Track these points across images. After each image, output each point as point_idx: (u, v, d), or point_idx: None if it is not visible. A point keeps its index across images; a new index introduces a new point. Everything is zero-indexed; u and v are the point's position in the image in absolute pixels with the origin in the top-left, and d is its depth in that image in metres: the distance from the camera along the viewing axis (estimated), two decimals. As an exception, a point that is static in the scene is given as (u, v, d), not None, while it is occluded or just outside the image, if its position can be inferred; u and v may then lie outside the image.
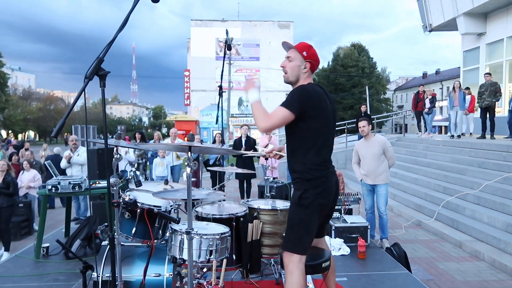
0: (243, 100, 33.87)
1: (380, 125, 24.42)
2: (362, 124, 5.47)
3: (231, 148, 9.30)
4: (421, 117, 12.90)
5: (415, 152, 11.20)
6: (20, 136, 48.30)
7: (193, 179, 2.77)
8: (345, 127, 15.13)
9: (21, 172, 7.73)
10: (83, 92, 2.00)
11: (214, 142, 9.71)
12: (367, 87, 38.07)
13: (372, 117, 14.92)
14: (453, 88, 10.91)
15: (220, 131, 8.86)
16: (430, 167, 9.43)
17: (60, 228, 6.08)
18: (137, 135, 9.87)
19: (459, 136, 10.84)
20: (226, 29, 4.44)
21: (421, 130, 12.92)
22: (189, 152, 2.17)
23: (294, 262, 2.49)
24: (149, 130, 66.62)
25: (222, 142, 8.35)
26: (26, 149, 9.87)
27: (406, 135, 15.11)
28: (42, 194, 4.81)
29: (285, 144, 2.76)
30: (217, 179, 7.98)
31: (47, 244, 4.78)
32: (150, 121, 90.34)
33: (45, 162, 6.97)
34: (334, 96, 42.70)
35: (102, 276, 2.88)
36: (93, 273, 2.93)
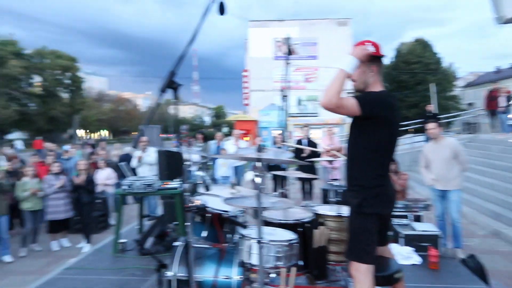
0: (302, 100, 33.67)
1: (448, 125, 23.02)
2: (431, 126, 5.22)
3: (293, 147, 9.31)
4: (495, 116, 11.98)
5: (490, 155, 10.41)
6: (95, 135, 52.08)
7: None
8: (409, 127, 14.48)
9: (97, 170, 8.35)
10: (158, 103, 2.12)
11: (274, 143, 9.77)
12: (432, 85, 36.04)
13: (439, 116, 14.15)
14: None
15: (280, 132, 8.92)
16: (508, 171, 8.71)
17: (134, 225, 6.49)
18: (199, 136, 10.19)
19: None
20: (287, 34, 4.45)
21: (496, 131, 11.98)
22: (259, 163, 2.22)
23: (361, 272, 2.46)
24: (210, 130, 68.66)
25: (283, 142, 8.38)
26: (103, 148, 10.63)
27: (479, 136, 14.11)
28: (118, 193, 5.18)
29: (346, 147, 2.73)
30: (279, 181, 8.04)
31: (123, 240, 5.14)
32: (212, 121, 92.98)
33: (120, 164, 7.47)
34: (396, 94, 41.01)
35: (175, 275, 3.04)
36: (167, 272, 3.10)
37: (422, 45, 42.73)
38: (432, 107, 13.46)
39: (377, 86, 2.56)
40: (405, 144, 14.49)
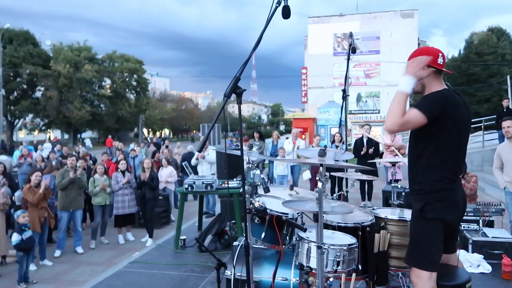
0: (362, 96, 32.70)
1: (527, 121, 21.11)
2: (507, 124, 4.82)
3: (352, 147, 9.09)
4: None
5: None
6: (158, 134, 54.73)
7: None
8: (481, 124, 13.48)
9: (161, 168, 8.76)
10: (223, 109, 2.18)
11: (333, 141, 9.60)
12: (508, 77, 33.22)
13: (516, 112, 13.00)
14: None
15: (339, 131, 8.74)
16: None
17: (193, 222, 6.73)
18: (256, 134, 10.32)
19: None
20: (350, 32, 4.34)
21: None
22: (321, 168, 2.19)
23: (423, 280, 2.35)
24: (267, 128, 69.09)
25: (342, 141, 8.20)
26: (166, 146, 11.13)
27: None
28: (180, 192, 5.40)
29: (408, 147, 2.60)
30: (339, 182, 7.89)
31: (184, 237, 5.35)
32: (269, 119, 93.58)
33: (183, 163, 7.78)
34: (467, 88, 38.41)
35: (234, 275, 3.11)
36: (226, 271, 3.18)
37: (497, 34, 39.53)
38: (508, 102, 12.38)
39: (436, 85, 2.42)
40: (475, 143, 13.51)
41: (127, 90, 46.67)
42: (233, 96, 2.23)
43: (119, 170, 7.06)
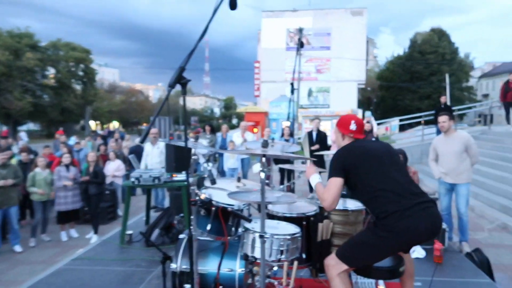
0: (313, 91, 33.45)
1: (462, 117, 22.65)
2: (443, 119, 5.14)
3: (300, 140, 9.29)
4: (511, 108, 11.73)
5: (503, 148, 10.24)
6: (106, 126, 52.64)
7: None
8: (421, 119, 14.30)
9: (107, 162, 8.46)
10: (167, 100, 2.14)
11: (282, 135, 9.77)
12: (447, 75, 35.42)
13: (453, 108, 13.92)
14: None
15: (288, 124, 8.90)
16: (520, 164, 8.59)
17: (141, 216, 6.58)
18: (207, 128, 10.30)
19: None
20: (299, 27, 4.41)
21: (510, 123, 11.75)
22: (263, 158, 2.22)
23: (338, 270, 2.54)
24: (220, 121, 68.68)
25: (291, 135, 8.37)
26: (116, 140, 10.75)
27: (492, 128, 13.87)
28: (126, 186, 5.25)
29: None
30: (286, 175, 8.06)
31: (130, 232, 5.22)
32: (222, 112, 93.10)
33: (129, 156, 7.56)
34: (410, 85, 40.49)
35: (179, 268, 3.09)
36: (171, 264, 3.15)
37: (438, 35, 41.94)
38: (445, 99, 13.22)
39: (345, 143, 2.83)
40: (416, 136, 14.33)
41: (73, 80, 44.29)
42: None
43: (62, 164, 6.74)
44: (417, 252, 4.52)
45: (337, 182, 2.55)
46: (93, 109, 47.66)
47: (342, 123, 2.87)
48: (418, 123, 15.81)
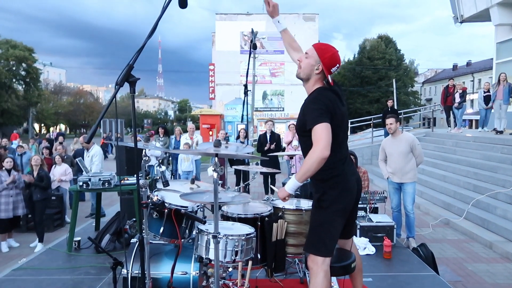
0: (267, 94, 33.82)
1: (408, 120, 23.82)
2: (390, 121, 5.37)
3: (256, 142, 9.37)
4: (451, 112, 12.54)
5: (444, 148, 10.91)
6: (52, 130, 49.96)
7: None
8: (371, 122, 14.88)
9: (54, 166, 8.03)
10: (115, 98, 2.06)
11: (238, 137, 9.79)
12: (394, 80, 37.24)
13: (399, 111, 14.62)
14: (498, 80, 10.51)
15: (244, 127, 8.92)
16: (459, 164, 9.18)
17: (91, 222, 6.30)
18: (161, 130, 10.10)
19: (501, 132, 10.34)
20: (252, 28, 4.44)
21: (451, 126, 12.55)
22: (216, 158, 2.20)
23: (318, 264, 2.51)
24: (174, 124, 67.53)
25: (246, 137, 8.40)
26: (61, 143, 10.22)
27: (435, 130, 14.73)
28: (73, 190, 4.99)
29: (300, 143, 2.75)
30: (242, 176, 8.06)
31: (78, 238, 4.97)
32: (176, 115, 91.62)
33: (76, 160, 7.22)
34: (360, 90, 42.10)
35: (131, 273, 2.98)
36: (122, 269, 3.03)
37: (385, 42, 43.96)
38: (391, 102, 13.88)
39: (318, 84, 2.57)
40: (366, 138, 14.89)
41: (14, 80, 41.63)
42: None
43: (3, 168, 6.28)
44: (368, 248, 4.68)
45: (325, 126, 2.31)
46: (38, 111, 45.09)
47: (331, 59, 2.51)
48: (368, 126, 16.41)
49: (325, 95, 2.48)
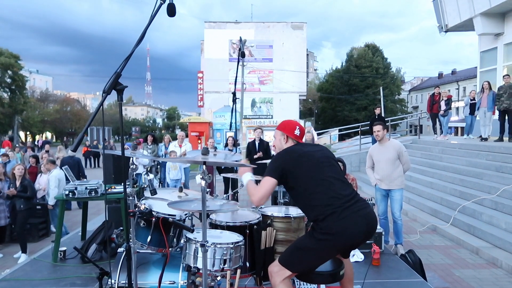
0: (256, 102, 33.89)
1: (395, 127, 24.11)
2: (377, 128, 5.42)
3: (244, 150, 9.36)
4: (437, 119, 12.72)
5: (431, 155, 11.05)
6: (37, 138, 49.20)
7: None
8: (358, 129, 15.02)
9: (39, 175, 7.89)
10: (102, 106, 2.05)
11: (226, 145, 9.76)
12: (381, 88, 37.73)
13: (386, 119, 14.79)
14: (482, 88, 10.72)
15: (232, 134, 8.92)
16: (446, 170, 9.30)
17: (77, 231, 6.19)
18: (149, 138, 10.05)
19: (486, 139, 10.53)
20: (240, 37, 4.46)
21: (437, 133, 12.73)
22: (204, 166, 2.19)
23: (281, 276, 2.57)
24: (162, 132, 67.16)
25: (235, 145, 8.38)
26: (47, 151, 10.07)
27: (422, 137, 14.92)
28: (59, 199, 4.91)
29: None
30: (230, 184, 8.03)
31: (64, 248, 4.87)
32: (164, 123, 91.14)
33: (62, 168, 7.11)
34: (347, 97, 42.52)
35: (118, 283, 2.93)
36: (109, 280, 2.98)
37: (372, 50, 44.57)
38: (379, 110, 14.03)
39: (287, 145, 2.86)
40: (354, 146, 15.00)
41: (-2, 87, 40.98)
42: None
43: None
44: (356, 256, 4.69)
45: (270, 181, 2.60)
46: (23, 119, 44.38)
47: (287, 126, 2.92)
48: (356, 133, 16.55)
49: (290, 148, 2.79)
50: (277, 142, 2.97)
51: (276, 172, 2.62)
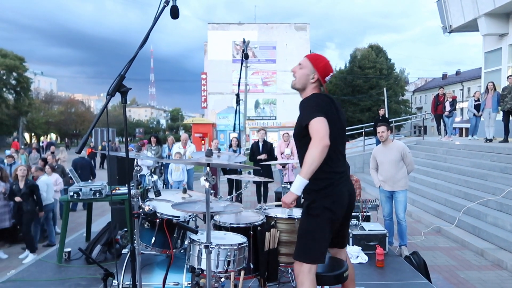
0: (260, 103, 33.92)
1: (399, 128, 24.04)
2: (381, 129, 5.41)
3: (248, 151, 9.37)
4: (441, 120, 12.67)
5: (435, 156, 11.01)
6: (42, 139, 49.46)
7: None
8: (362, 130, 14.98)
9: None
10: (106, 108, 2.06)
11: (230, 146, 9.78)
12: (385, 89, 37.66)
13: (390, 120, 14.75)
14: (486, 89, 10.67)
15: (236, 135, 8.93)
16: (450, 171, 9.26)
17: (81, 232, 6.22)
18: (153, 139, 10.08)
19: (490, 140, 10.48)
20: (244, 38, 4.47)
21: (441, 134, 12.68)
22: (208, 168, 2.20)
23: (304, 272, 2.50)
24: (166, 133, 67.32)
25: (239, 146, 8.40)
26: (52, 153, 10.12)
27: (426, 139, 14.87)
28: (64, 200, 4.94)
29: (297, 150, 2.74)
30: (234, 185, 8.04)
31: (69, 249, 4.90)
32: (168, 124, 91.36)
33: (68, 169, 7.15)
34: (351, 98, 42.42)
35: (122, 284, 2.94)
36: (113, 280, 2.99)
37: (376, 51, 44.44)
38: (383, 111, 13.99)
39: (313, 91, 2.60)
40: (358, 147, 14.97)
41: (4, 89, 41.22)
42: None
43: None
44: (360, 257, 4.68)
45: (321, 119, 2.30)
46: (28, 120, 44.64)
47: (324, 67, 2.57)
48: (360, 134, 16.52)
49: (319, 97, 2.51)
50: (300, 72, 2.59)
51: (321, 112, 2.34)
